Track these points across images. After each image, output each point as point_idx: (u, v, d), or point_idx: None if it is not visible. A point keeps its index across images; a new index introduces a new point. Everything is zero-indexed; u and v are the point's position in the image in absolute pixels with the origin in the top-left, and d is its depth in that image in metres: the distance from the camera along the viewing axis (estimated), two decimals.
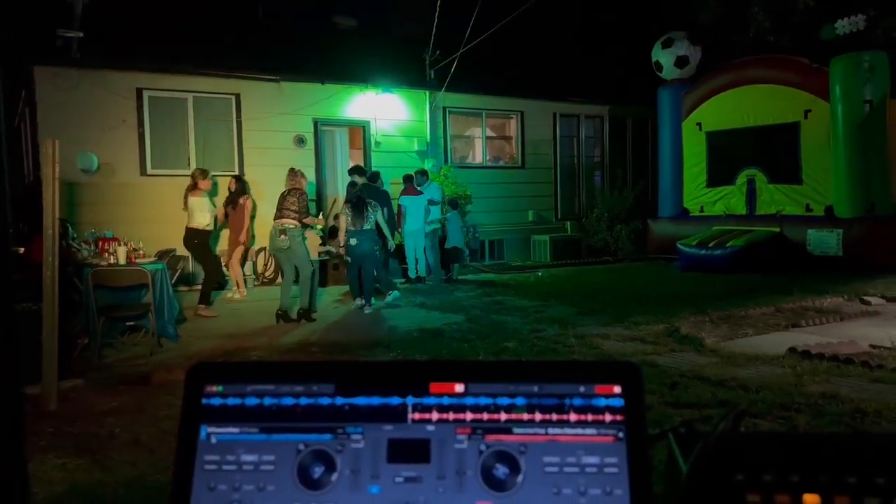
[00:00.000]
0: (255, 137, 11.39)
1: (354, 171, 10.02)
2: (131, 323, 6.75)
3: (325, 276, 10.69)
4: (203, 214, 8.60)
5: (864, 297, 7.93)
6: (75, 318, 6.35)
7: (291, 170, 8.35)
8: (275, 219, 7.91)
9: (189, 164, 10.71)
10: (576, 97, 14.83)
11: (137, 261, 6.79)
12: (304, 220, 7.88)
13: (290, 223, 7.71)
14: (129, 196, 10.26)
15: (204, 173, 8.84)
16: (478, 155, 14.32)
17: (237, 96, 11.35)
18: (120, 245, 6.86)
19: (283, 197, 7.93)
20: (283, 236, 7.67)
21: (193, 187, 8.67)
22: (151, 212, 10.02)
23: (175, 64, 10.67)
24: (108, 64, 10.25)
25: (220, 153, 11.14)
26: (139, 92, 10.61)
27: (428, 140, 13.10)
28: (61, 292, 4.91)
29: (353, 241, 8.26)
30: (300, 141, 11.84)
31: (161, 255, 7.87)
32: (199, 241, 8.58)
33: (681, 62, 13.27)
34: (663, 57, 13.41)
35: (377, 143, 12.64)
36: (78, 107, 10.00)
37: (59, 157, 4.82)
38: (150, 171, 10.68)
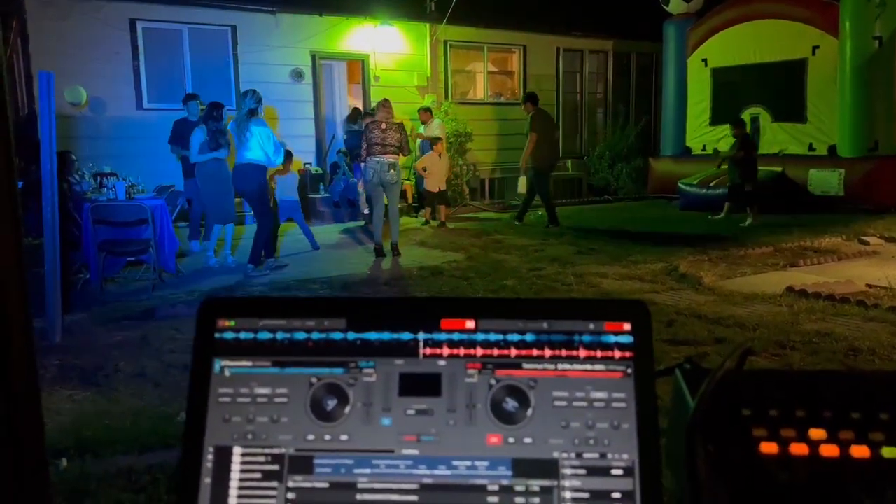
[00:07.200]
0: (251, 71, 11.15)
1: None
2: (132, 259, 6.78)
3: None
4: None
5: (863, 238, 7.95)
6: (76, 253, 6.37)
7: (384, 102, 7.87)
8: (372, 154, 7.52)
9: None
10: (579, 31, 14.47)
11: (136, 196, 6.76)
12: (405, 155, 7.72)
13: (393, 158, 7.51)
14: (126, 130, 10.12)
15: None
16: (479, 91, 14.07)
17: (233, 28, 11.07)
18: (118, 180, 6.80)
19: (381, 131, 7.51)
20: (391, 171, 7.48)
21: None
22: (149, 146, 9.91)
23: None
24: None
25: (217, 87, 10.92)
26: (132, 23, 10.34)
27: (428, 75, 12.86)
28: (61, 227, 4.91)
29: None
30: (298, 75, 11.61)
31: (159, 190, 7.83)
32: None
33: None
34: None
35: (376, 78, 12.40)
36: (70, 38, 9.76)
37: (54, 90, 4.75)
38: (146, 104, 10.51)
